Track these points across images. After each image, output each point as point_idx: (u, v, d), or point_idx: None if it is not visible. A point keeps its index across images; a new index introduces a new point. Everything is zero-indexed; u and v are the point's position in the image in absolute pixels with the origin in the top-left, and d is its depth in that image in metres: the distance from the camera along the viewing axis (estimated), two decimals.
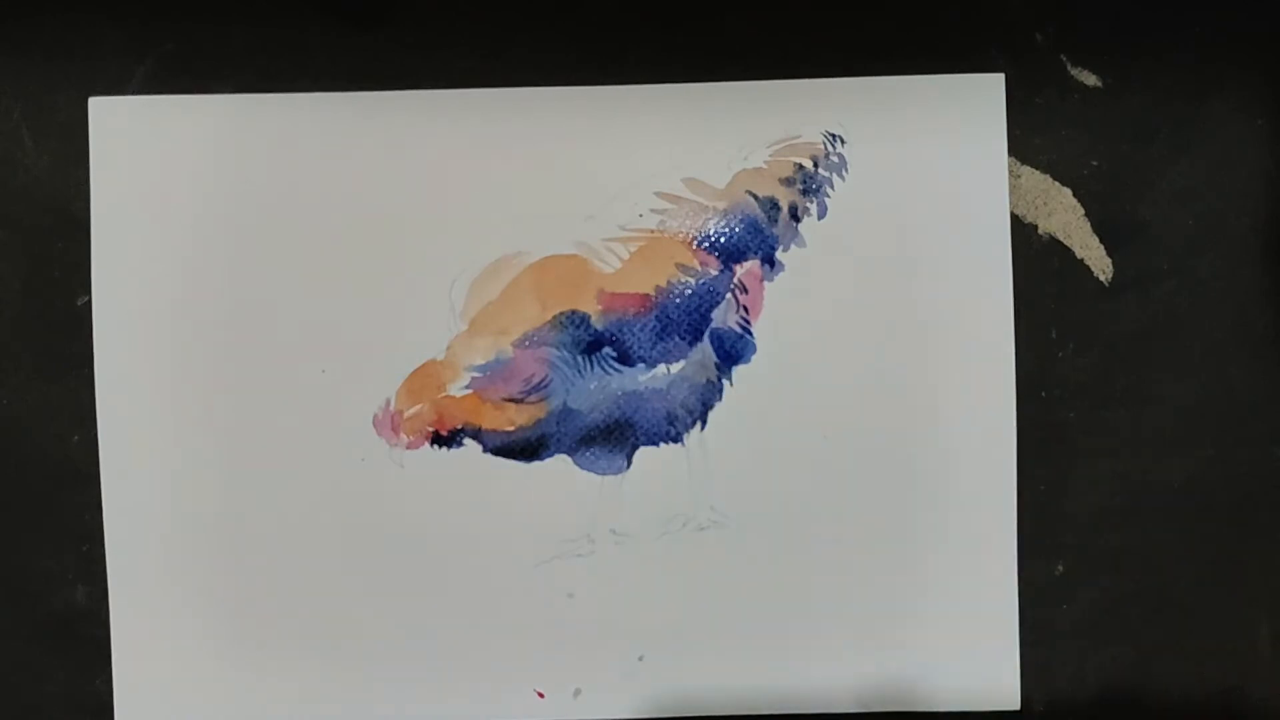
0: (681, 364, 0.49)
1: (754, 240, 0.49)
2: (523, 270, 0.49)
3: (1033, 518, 0.49)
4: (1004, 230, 0.49)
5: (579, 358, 0.49)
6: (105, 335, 0.49)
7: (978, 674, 0.50)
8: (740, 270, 0.49)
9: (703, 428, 0.49)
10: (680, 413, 0.49)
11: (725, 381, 0.49)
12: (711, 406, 0.49)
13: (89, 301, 0.49)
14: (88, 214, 0.49)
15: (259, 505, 0.49)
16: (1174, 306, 0.49)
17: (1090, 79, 0.49)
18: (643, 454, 0.49)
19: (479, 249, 0.49)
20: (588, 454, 0.49)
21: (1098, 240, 0.49)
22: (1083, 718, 0.50)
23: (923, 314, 0.49)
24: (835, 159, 0.49)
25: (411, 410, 0.49)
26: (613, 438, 0.49)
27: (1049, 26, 0.49)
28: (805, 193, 0.49)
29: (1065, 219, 0.49)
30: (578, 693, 0.50)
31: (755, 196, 0.49)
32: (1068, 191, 0.49)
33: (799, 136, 0.49)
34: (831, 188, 0.49)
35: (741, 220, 0.49)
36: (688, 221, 0.49)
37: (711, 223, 0.49)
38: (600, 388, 0.49)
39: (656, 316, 0.49)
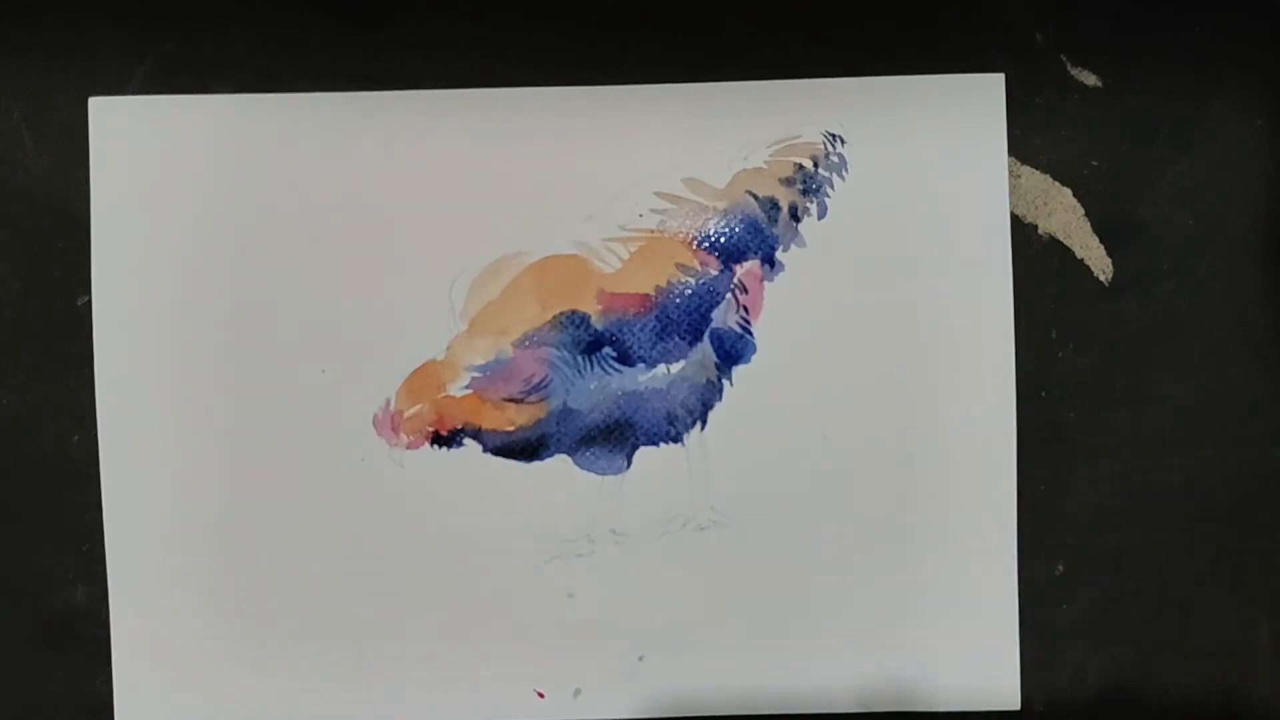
0: (681, 364, 0.49)
1: (754, 240, 0.49)
2: (523, 270, 0.49)
3: (1033, 518, 0.49)
4: (1004, 230, 0.49)
5: (579, 358, 0.49)
6: (105, 335, 0.49)
7: (978, 674, 0.50)
8: (740, 270, 0.49)
9: (703, 428, 0.49)
10: (680, 413, 0.49)
11: (725, 381, 0.49)
12: (711, 406, 0.49)
13: (89, 301, 0.49)
14: (88, 214, 0.49)
15: (259, 505, 0.49)
16: (1174, 306, 0.49)
17: (1090, 79, 0.49)
18: (643, 454, 0.49)
19: (479, 249, 0.49)
20: (588, 454, 0.49)
21: (1098, 240, 0.49)
22: (1083, 718, 0.50)
23: (923, 314, 0.49)
24: (835, 159, 0.49)
25: (411, 410, 0.49)
26: (613, 438, 0.49)
27: (1049, 26, 0.49)
28: (805, 193, 0.49)
29: (1065, 219, 0.49)
30: (578, 693, 0.50)
31: (755, 196, 0.49)
32: (1068, 191, 0.49)
33: (799, 136, 0.49)
34: (831, 188, 0.49)
35: (741, 220, 0.49)
36: (688, 221, 0.49)
37: (711, 223, 0.49)
38: (600, 388, 0.49)
39: (656, 316, 0.49)
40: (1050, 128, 0.49)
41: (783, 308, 0.49)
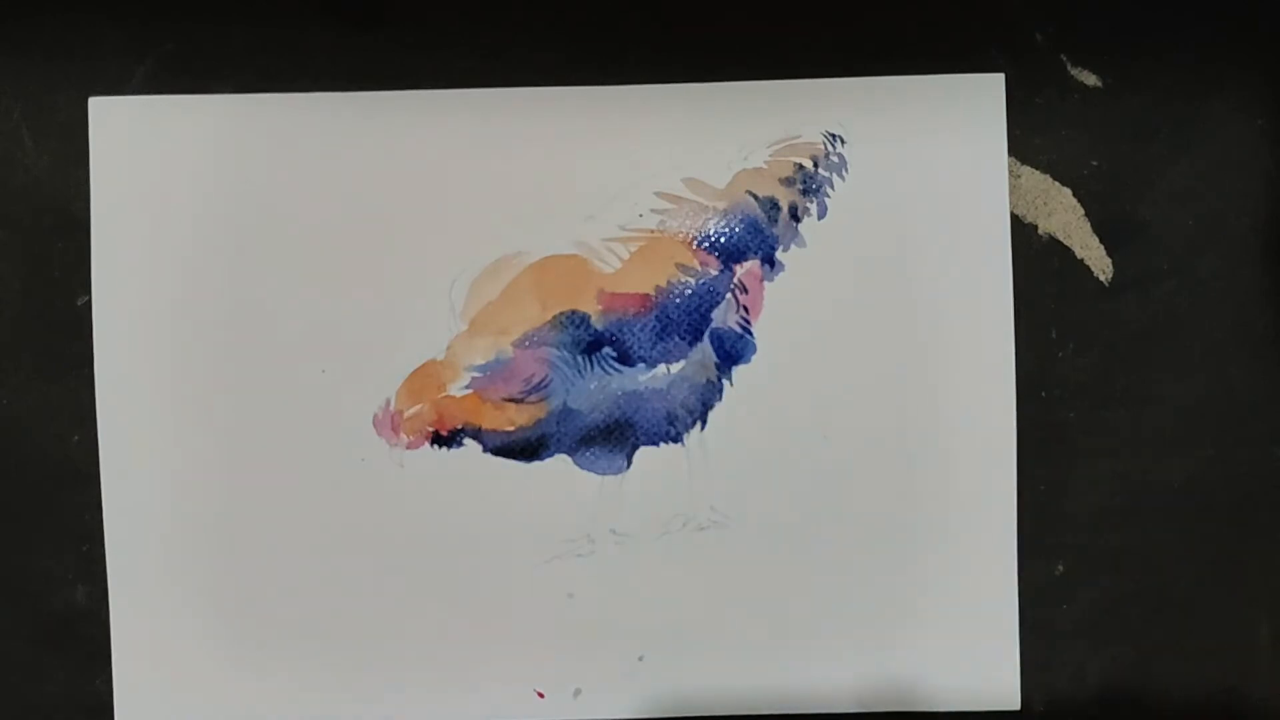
0: (681, 364, 0.49)
1: (754, 240, 0.49)
2: (523, 270, 0.49)
3: (1033, 518, 0.49)
4: (1004, 230, 0.49)
5: (579, 358, 0.49)
6: (105, 335, 0.49)
7: (978, 674, 0.50)
8: (740, 270, 0.49)
9: (703, 428, 0.49)
10: (680, 413, 0.49)
11: (725, 381, 0.49)
12: (711, 406, 0.49)
13: (89, 301, 0.49)
14: (88, 214, 0.49)
15: (259, 505, 0.49)
16: (1174, 306, 0.49)
17: (1090, 79, 0.49)
18: (643, 454, 0.49)
19: (479, 249, 0.49)
20: (588, 454, 0.49)
21: (1098, 240, 0.49)
22: (1083, 718, 0.50)
23: (923, 314, 0.49)
24: (835, 159, 0.49)
25: (411, 410, 0.49)
26: (613, 438, 0.49)
27: (1049, 26, 0.49)
28: (805, 193, 0.49)
29: (1065, 219, 0.49)
30: (578, 693, 0.50)
31: (755, 196, 0.49)
32: (1068, 191, 0.49)
33: (799, 136, 0.49)
34: (831, 188, 0.49)
35: (741, 220, 0.49)
36: (688, 221, 0.49)
37: (711, 223, 0.49)
38: (600, 388, 0.49)
39: (656, 316, 0.49)
40: (1050, 128, 0.49)
41: (783, 308, 0.49)
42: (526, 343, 0.49)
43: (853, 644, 0.50)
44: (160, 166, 0.49)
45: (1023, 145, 0.49)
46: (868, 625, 0.50)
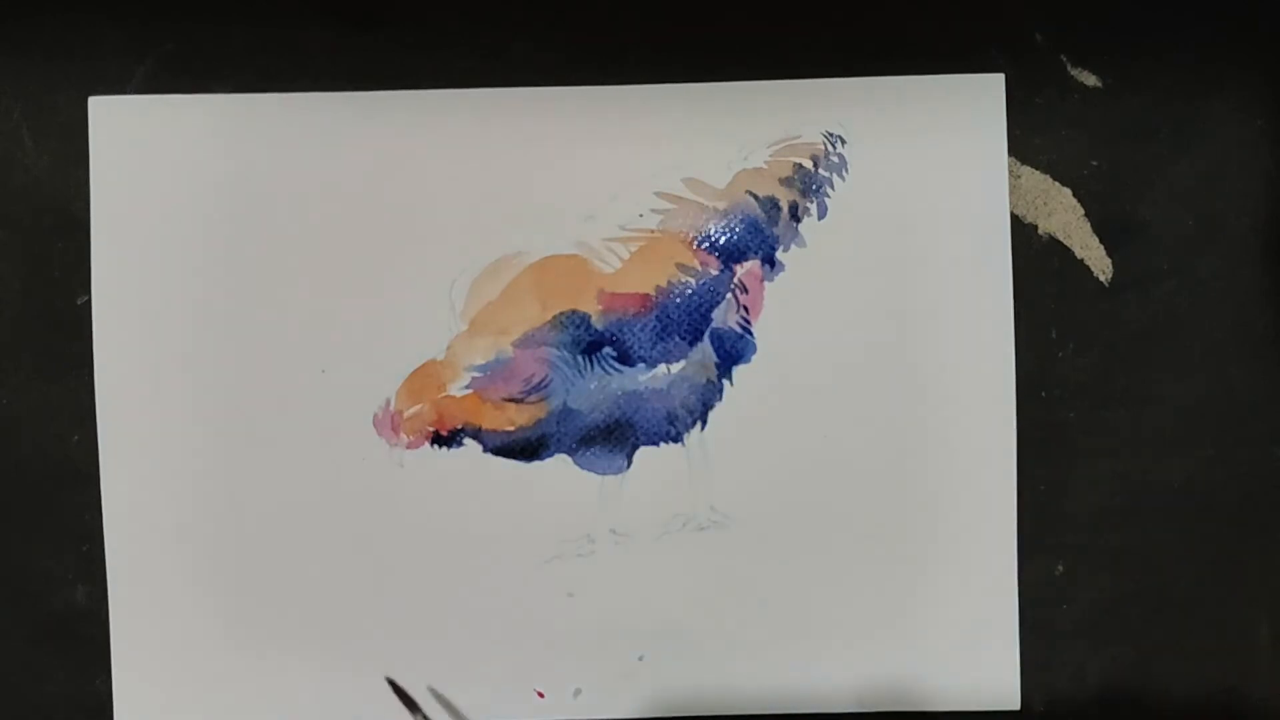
0: (681, 364, 0.49)
1: (754, 240, 0.49)
2: (523, 270, 0.49)
3: (1033, 518, 0.49)
4: (1004, 230, 0.49)
5: (579, 358, 0.49)
6: (105, 335, 0.49)
7: (978, 674, 0.50)
8: (740, 270, 0.49)
9: (703, 428, 0.49)
10: (680, 412, 0.49)
11: (725, 381, 0.49)
12: (711, 406, 0.49)
13: (89, 301, 0.49)
14: (88, 214, 0.49)
15: (259, 505, 0.49)
16: (1174, 306, 0.49)
17: (1090, 79, 0.49)
18: (643, 454, 0.49)
19: (479, 249, 0.49)
20: (588, 454, 0.49)
21: (1098, 240, 0.49)
22: (1083, 718, 0.50)
23: (923, 314, 0.49)
24: (835, 159, 0.49)
25: (411, 410, 0.49)
26: (613, 438, 0.49)
27: (1049, 26, 0.49)
28: (805, 193, 0.49)
29: (1065, 219, 0.49)
30: (578, 693, 0.50)
31: (755, 196, 0.49)
32: (1068, 191, 0.49)
33: (799, 136, 0.49)
34: (831, 188, 0.49)
35: (741, 220, 0.49)
36: (688, 221, 0.49)
37: (711, 223, 0.49)
38: (600, 388, 0.49)
39: (656, 316, 0.49)
40: (1050, 128, 0.49)
41: (783, 308, 0.49)
42: (526, 343, 0.49)
43: (853, 644, 0.50)
44: (160, 166, 0.49)
45: (1023, 145, 0.49)
46: (868, 625, 0.50)
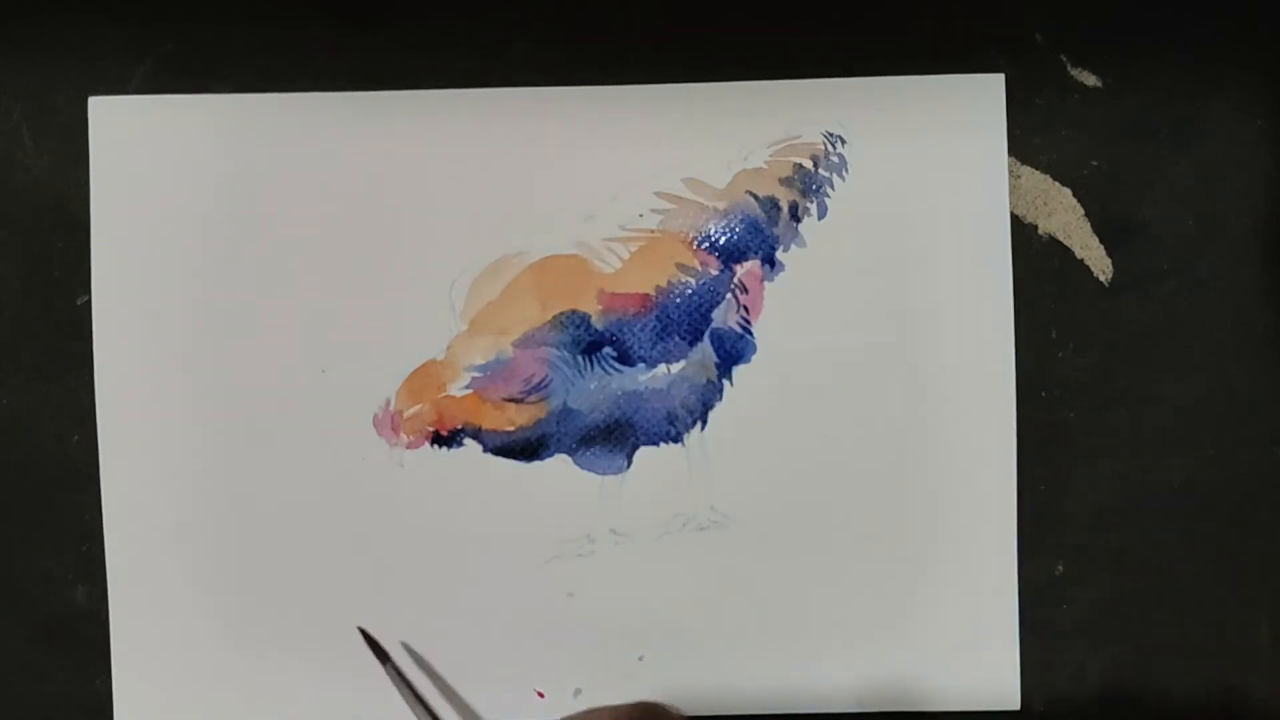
0: (681, 364, 0.49)
1: (754, 240, 0.49)
2: (523, 270, 0.49)
3: (1033, 518, 0.49)
4: (1004, 230, 0.49)
5: (579, 358, 0.49)
6: (105, 335, 0.49)
7: (978, 674, 0.50)
8: (740, 270, 0.49)
9: (703, 428, 0.49)
10: (680, 412, 0.49)
11: (725, 381, 0.49)
12: (711, 406, 0.49)
13: (89, 301, 0.49)
14: (88, 214, 0.49)
15: (259, 505, 0.49)
16: (1174, 306, 0.49)
17: (1090, 79, 0.49)
18: (643, 454, 0.49)
19: (479, 249, 0.49)
20: (588, 454, 0.49)
21: (1098, 240, 0.49)
22: (1083, 718, 0.50)
23: (923, 314, 0.49)
24: (835, 159, 0.49)
25: (411, 410, 0.49)
26: (613, 438, 0.49)
27: (1049, 26, 0.49)
28: (805, 193, 0.49)
29: (1065, 219, 0.49)
30: (578, 693, 0.50)
31: (755, 196, 0.49)
32: (1068, 191, 0.49)
33: (799, 136, 0.49)
34: (831, 188, 0.49)
35: (742, 220, 0.49)
36: (688, 221, 0.49)
37: (712, 223, 0.49)
38: (600, 388, 0.49)
39: (656, 316, 0.49)
40: (1050, 128, 0.49)
41: (783, 308, 0.49)
42: (526, 343, 0.49)
43: (853, 644, 0.50)
44: (160, 166, 0.49)
45: (1023, 145, 0.49)
46: (868, 625, 0.50)
